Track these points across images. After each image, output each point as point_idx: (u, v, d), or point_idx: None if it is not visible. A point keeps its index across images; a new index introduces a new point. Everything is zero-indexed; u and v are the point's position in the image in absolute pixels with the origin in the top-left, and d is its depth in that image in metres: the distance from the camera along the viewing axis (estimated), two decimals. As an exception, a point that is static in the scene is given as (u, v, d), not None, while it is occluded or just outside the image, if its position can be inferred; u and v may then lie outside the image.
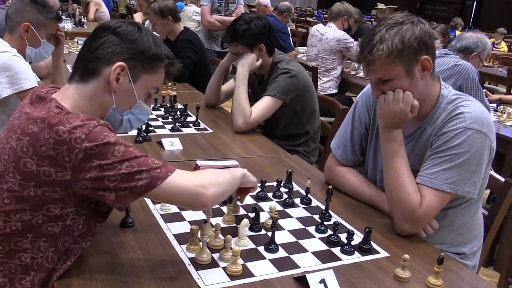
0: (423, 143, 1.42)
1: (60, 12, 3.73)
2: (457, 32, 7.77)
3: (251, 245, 1.22)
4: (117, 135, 1.02)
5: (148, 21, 3.59)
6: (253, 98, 2.36)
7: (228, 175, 1.16)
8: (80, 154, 0.94)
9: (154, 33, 3.05)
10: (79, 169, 0.95)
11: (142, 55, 1.09)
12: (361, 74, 4.37)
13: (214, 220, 1.32)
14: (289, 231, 1.32)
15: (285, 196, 1.51)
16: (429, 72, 1.35)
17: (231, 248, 1.11)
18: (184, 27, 3.39)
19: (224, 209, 1.38)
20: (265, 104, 2.20)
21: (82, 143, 0.94)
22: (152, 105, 1.19)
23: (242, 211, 1.41)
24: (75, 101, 1.07)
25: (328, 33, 4.03)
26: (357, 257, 1.22)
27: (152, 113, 2.27)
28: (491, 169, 1.51)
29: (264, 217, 1.35)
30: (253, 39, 2.22)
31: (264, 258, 1.17)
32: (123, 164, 0.97)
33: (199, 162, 1.56)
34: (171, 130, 2.14)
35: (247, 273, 1.10)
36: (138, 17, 5.97)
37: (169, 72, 1.17)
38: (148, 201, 1.41)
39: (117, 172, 0.96)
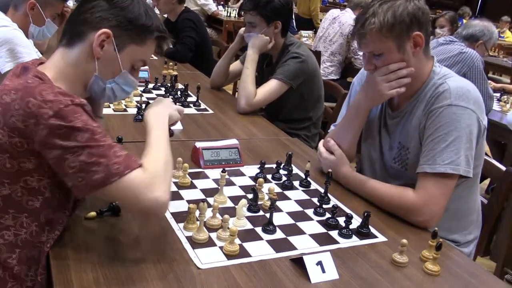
0: (413, 119, 1.42)
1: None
2: (465, 21, 7.69)
3: (249, 226, 1.22)
4: (115, 105, 1.00)
5: None
6: (260, 79, 2.34)
7: (168, 156, 1.07)
8: (45, 130, 0.92)
9: (156, 10, 3.01)
10: (44, 145, 0.93)
11: (131, 24, 1.06)
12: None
13: (211, 200, 1.31)
14: (287, 213, 1.32)
15: (284, 178, 1.51)
16: (421, 49, 1.36)
17: (228, 228, 1.11)
18: (185, 6, 3.33)
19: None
20: (271, 87, 2.18)
21: (49, 119, 0.91)
22: (138, 79, 1.16)
23: (240, 192, 1.41)
24: (60, 68, 1.05)
25: (343, 15, 3.99)
26: (354, 241, 1.22)
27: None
28: (489, 156, 1.50)
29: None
30: (273, 13, 2.19)
31: (261, 238, 1.17)
32: (83, 151, 0.92)
33: (199, 144, 1.56)
34: None
35: (244, 253, 1.10)
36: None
37: (161, 47, 1.13)
38: None
39: (76, 158, 0.92)
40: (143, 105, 1.96)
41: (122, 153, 0.97)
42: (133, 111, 2.00)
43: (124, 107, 2.06)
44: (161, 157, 1.05)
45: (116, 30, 1.05)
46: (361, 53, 1.67)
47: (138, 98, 2.07)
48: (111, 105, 2.04)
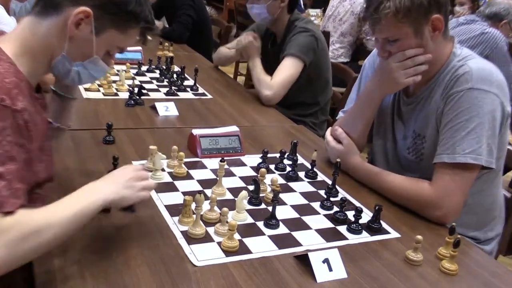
0: (431, 105, 1.41)
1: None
2: (487, -1, 7.58)
3: (250, 220, 1.21)
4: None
5: None
6: (265, 62, 2.34)
7: (51, 232, 0.87)
8: None
9: None
10: None
11: (117, 7, 1.01)
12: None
13: (209, 192, 1.31)
14: (291, 206, 1.31)
15: (288, 168, 1.50)
16: (440, 32, 1.34)
17: (227, 222, 1.10)
18: None
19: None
20: (286, 67, 2.17)
21: None
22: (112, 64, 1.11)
23: (241, 183, 1.40)
24: (24, 40, 0.99)
25: None
26: (364, 237, 1.21)
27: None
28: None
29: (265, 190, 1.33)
30: None
31: (263, 234, 1.17)
32: None
33: (196, 131, 1.55)
34: (166, 94, 2.13)
35: (244, 249, 1.09)
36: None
37: (144, 37, 1.09)
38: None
39: None
40: (136, 89, 1.96)
41: (9, 189, 0.84)
42: (124, 95, 1.99)
43: (115, 91, 2.05)
44: (43, 224, 0.86)
45: (98, 11, 1.00)
46: None
47: (130, 82, 2.07)
48: (100, 88, 2.04)
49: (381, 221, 1.25)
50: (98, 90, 2.02)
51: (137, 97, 1.95)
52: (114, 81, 2.11)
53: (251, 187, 1.31)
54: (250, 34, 2.30)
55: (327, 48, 2.35)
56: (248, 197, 1.27)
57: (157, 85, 2.24)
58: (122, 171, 1.07)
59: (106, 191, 0.98)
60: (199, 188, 1.33)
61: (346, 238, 1.20)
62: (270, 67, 2.23)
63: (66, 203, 0.93)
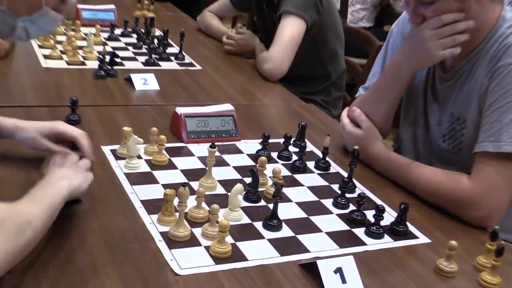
0: (473, 82, 1.41)
1: None
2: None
3: (246, 220, 1.22)
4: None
5: None
6: (261, 24, 2.35)
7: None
8: None
9: None
10: None
11: None
12: None
13: (195, 184, 1.31)
14: (297, 203, 1.32)
15: (294, 157, 1.50)
16: None
17: (217, 222, 1.10)
18: None
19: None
20: (284, 29, 2.17)
21: None
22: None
23: (235, 175, 1.40)
24: None
25: None
26: (387, 242, 1.22)
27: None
28: None
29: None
30: None
31: (262, 237, 1.17)
32: None
33: (180, 110, 1.56)
34: (145, 63, 2.13)
35: (238, 255, 1.10)
36: None
37: None
38: (110, 155, 1.40)
39: None
40: (107, 57, 1.96)
41: None
42: (93, 64, 1.99)
43: (81, 59, 2.05)
44: (32, 214, 0.94)
45: None
46: None
47: (100, 48, 2.06)
48: (64, 56, 2.04)
49: (408, 223, 1.26)
50: (61, 58, 2.02)
51: (109, 67, 1.95)
52: (81, 47, 2.11)
53: (248, 180, 1.31)
54: (236, 31, 2.39)
55: (335, 6, 2.35)
56: (244, 192, 1.27)
57: (133, 53, 2.24)
58: (56, 162, 1.18)
59: (65, 177, 1.09)
60: (184, 179, 1.34)
61: (364, 244, 1.20)
62: (268, 33, 2.26)
63: (37, 196, 1.01)
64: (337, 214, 1.29)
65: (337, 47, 2.38)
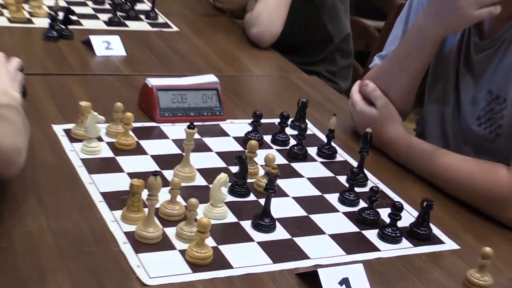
0: None
1: None
2: None
3: (231, 218, 1.23)
4: None
5: None
6: None
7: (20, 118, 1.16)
8: None
9: None
10: None
11: None
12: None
13: (168, 173, 1.31)
14: (295, 198, 1.32)
15: (292, 141, 1.51)
16: None
17: (196, 220, 1.10)
18: None
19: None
20: None
21: None
22: None
23: (219, 163, 1.41)
24: None
25: None
26: (405, 247, 1.22)
27: None
28: None
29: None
30: None
31: (250, 239, 1.18)
32: None
33: (152, 81, 1.56)
34: (108, 23, 2.15)
35: (220, 261, 1.10)
36: None
37: None
38: (63, 136, 1.40)
39: None
40: (60, 14, 1.96)
41: None
42: (42, 23, 1.99)
43: (27, 15, 2.05)
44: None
45: None
46: None
47: (52, 2, 2.05)
48: (4, 11, 2.03)
49: (431, 225, 1.26)
50: (1, 14, 2.01)
51: (63, 27, 1.95)
52: (27, 0, 2.10)
53: (235, 169, 1.32)
54: None
55: None
56: (230, 184, 1.27)
57: (94, 9, 2.24)
58: None
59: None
60: (155, 167, 1.33)
61: (377, 249, 1.21)
62: None
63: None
64: (344, 213, 1.30)
65: (336, 1, 2.39)
